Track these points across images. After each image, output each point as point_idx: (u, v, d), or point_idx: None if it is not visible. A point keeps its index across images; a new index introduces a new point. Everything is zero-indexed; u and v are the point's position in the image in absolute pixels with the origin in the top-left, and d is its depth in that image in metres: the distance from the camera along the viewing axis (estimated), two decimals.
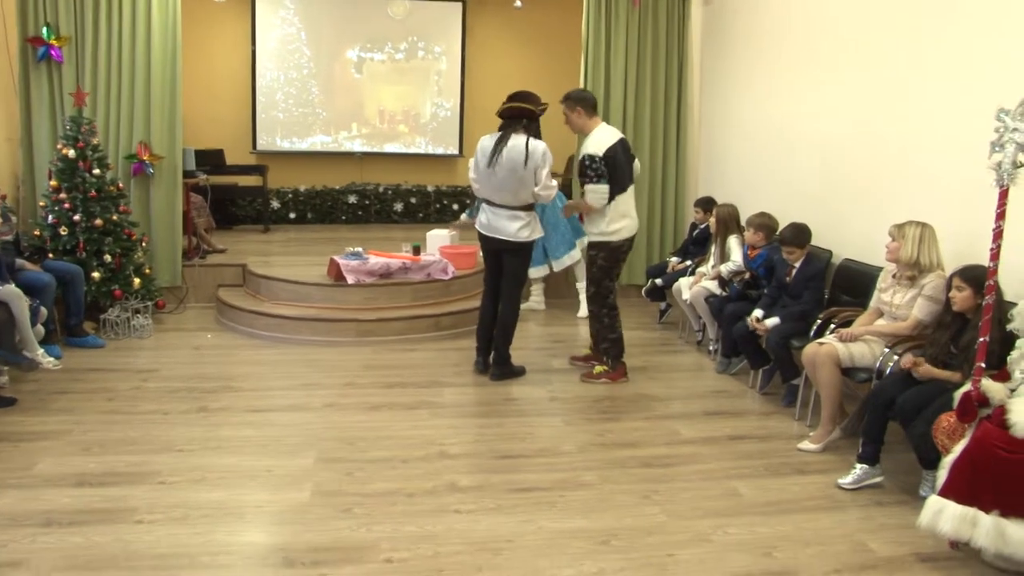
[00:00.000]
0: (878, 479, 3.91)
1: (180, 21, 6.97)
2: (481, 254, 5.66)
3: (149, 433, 4.42)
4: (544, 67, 10.47)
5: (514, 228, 5.25)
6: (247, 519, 3.50)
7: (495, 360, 5.51)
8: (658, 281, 6.68)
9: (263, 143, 10.53)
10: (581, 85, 7.48)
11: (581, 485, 3.87)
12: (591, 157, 5.18)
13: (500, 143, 5.17)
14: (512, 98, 5.24)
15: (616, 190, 5.23)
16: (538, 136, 5.21)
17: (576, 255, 7.14)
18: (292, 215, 10.27)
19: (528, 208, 5.30)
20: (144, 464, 4.02)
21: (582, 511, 3.63)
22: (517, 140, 5.15)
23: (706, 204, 6.68)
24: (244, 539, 3.32)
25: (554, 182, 5.34)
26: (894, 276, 4.35)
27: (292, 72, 10.51)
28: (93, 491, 3.72)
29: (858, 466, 3.91)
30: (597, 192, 5.18)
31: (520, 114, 5.19)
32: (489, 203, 5.35)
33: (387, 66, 10.70)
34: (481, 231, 5.44)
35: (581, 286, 7.26)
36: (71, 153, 6.25)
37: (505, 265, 5.40)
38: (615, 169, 5.20)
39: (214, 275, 7.25)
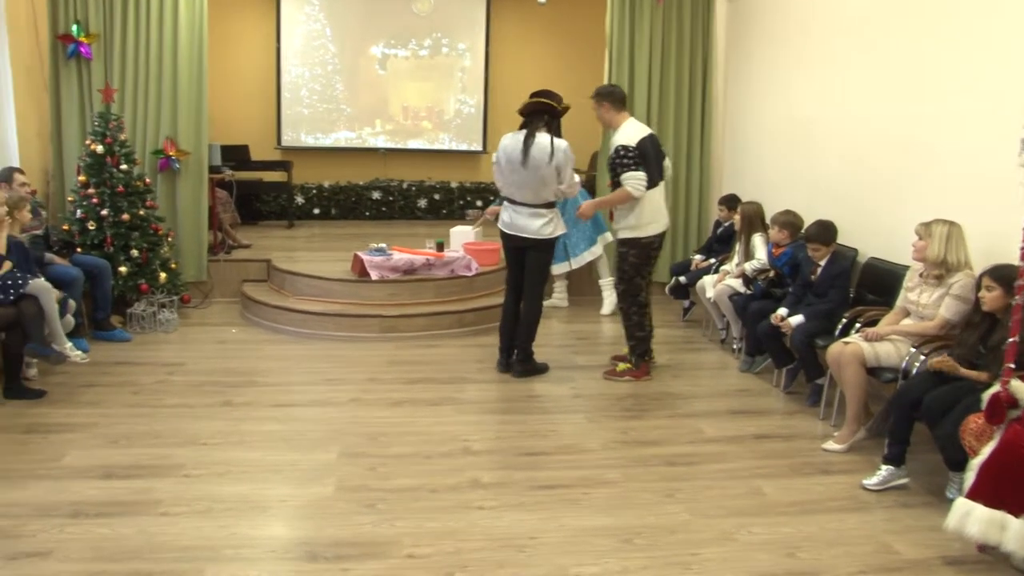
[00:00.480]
0: (904, 480, 3.85)
1: (206, 18, 6.99)
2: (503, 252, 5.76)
3: (174, 426, 4.43)
4: (568, 64, 10.43)
5: (536, 225, 5.23)
6: (270, 513, 3.50)
7: (518, 357, 5.47)
8: (682, 279, 6.63)
9: (288, 139, 10.54)
10: (605, 82, 7.35)
11: (604, 483, 3.84)
12: (624, 147, 5.13)
13: (528, 140, 5.13)
14: (534, 95, 5.23)
15: (649, 184, 5.19)
16: (559, 134, 5.19)
17: (597, 251, 7.11)
18: (316, 211, 10.30)
19: (550, 206, 5.28)
20: (169, 457, 4.03)
21: (605, 509, 3.60)
22: (541, 138, 5.13)
23: (730, 202, 6.61)
24: (267, 533, 3.32)
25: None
26: (921, 275, 4.27)
27: (317, 68, 10.52)
28: (119, 483, 3.73)
29: (883, 467, 3.85)
30: (635, 179, 5.10)
31: (542, 109, 5.17)
32: (511, 201, 5.33)
33: (411, 62, 10.68)
34: (503, 229, 5.41)
35: (604, 283, 7.24)
36: (99, 149, 6.30)
37: (527, 262, 5.36)
38: (645, 162, 5.15)
39: (239, 270, 7.26)
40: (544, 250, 5.34)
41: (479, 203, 10.42)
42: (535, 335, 5.48)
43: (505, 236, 5.43)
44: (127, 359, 5.65)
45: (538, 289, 5.44)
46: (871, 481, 3.84)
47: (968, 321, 3.95)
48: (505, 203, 5.43)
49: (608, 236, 7.09)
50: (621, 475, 3.93)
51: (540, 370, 5.50)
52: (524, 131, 5.18)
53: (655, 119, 7.56)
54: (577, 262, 7.09)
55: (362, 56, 10.57)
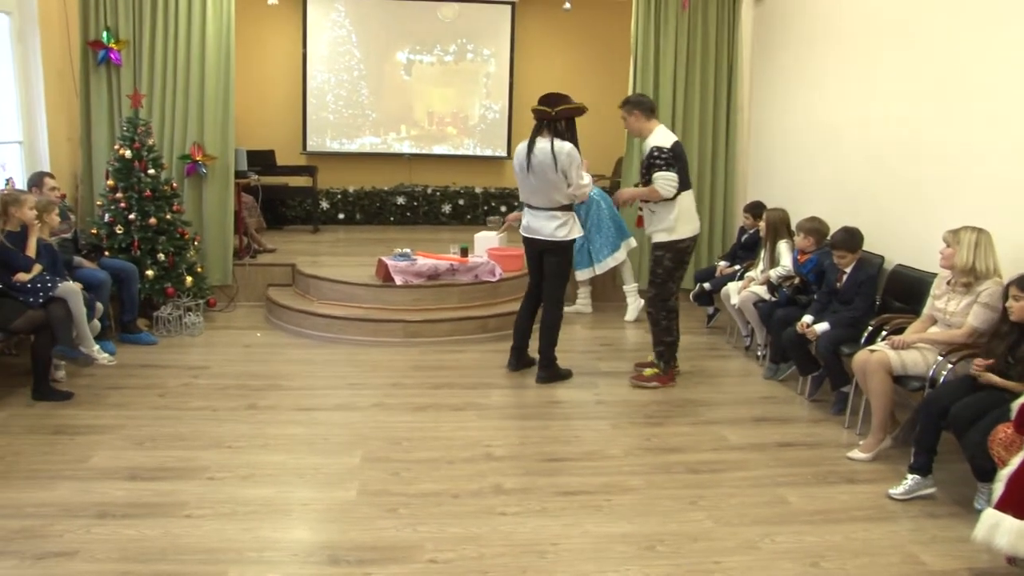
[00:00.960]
0: (931, 490, 3.80)
1: (234, 24, 7.03)
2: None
3: (199, 429, 4.46)
4: (593, 69, 10.41)
5: (551, 228, 5.26)
6: (293, 516, 3.51)
7: (541, 363, 5.47)
8: (706, 285, 6.60)
9: (313, 144, 10.56)
10: (630, 88, 7.44)
11: (627, 489, 3.83)
12: (659, 148, 5.15)
13: (530, 148, 5.20)
14: (540, 100, 5.24)
15: (681, 187, 5.20)
16: (566, 137, 5.15)
17: (620, 256, 7.08)
18: (341, 216, 10.28)
19: (565, 208, 5.29)
20: (194, 460, 4.05)
21: (628, 515, 3.59)
22: (542, 143, 5.16)
23: (755, 209, 6.55)
24: (290, 536, 3.34)
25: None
26: (949, 283, 4.23)
27: (342, 74, 10.55)
28: (145, 485, 3.76)
29: (910, 476, 3.81)
30: (667, 179, 5.11)
31: (539, 117, 5.20)
32: (529, 205, 5.38)
33: (436, 68, 10.67)
34: (523, 233, 5.46)
35: (629, 289, 7.22)
36: (127, 153, 6.34)
37: (545, 266, 5.41)
38: (679, 163, 5.16)
39: (264, 274, 7.26)
40: (560, 253, 5.36)
41: (503, 208, 10.34)
42: (556, 340, 5.46)
43: (525, 240, 5.47)
44: (153, 362, 5.67)
45: (558, 293, 5.44)
46: (897, 491, 3.80)
47: (996, 331, 3.88)
48: (525, 207, 5.45)
49: (632, 242, 7.12)
50: (644, 482, 3.91)
51: (563, 376, 5.49)
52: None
53: (680, 125, 7.53)
54: (601, 268, 7.06)
55: (387, 62, 10.59)
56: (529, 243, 5.45)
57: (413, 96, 10.71)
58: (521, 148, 5.29)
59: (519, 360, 5.61)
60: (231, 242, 7.22)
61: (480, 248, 7.32)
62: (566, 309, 6.29)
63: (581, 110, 5.22)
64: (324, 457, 4.12)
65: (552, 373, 5.46)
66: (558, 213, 5.26)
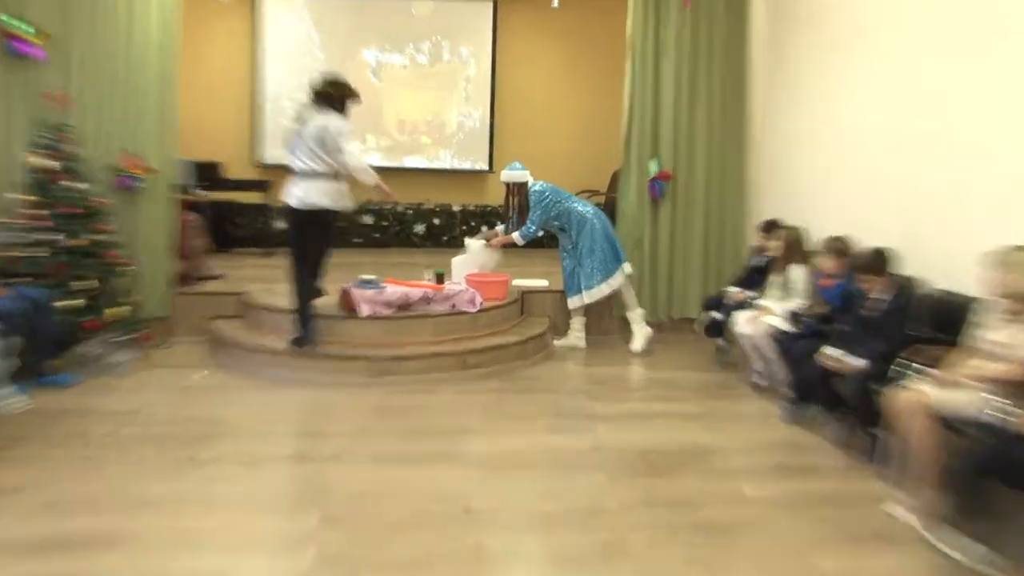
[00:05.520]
0: (986, 551, 3.57)
1: (178, 20, 6.84)
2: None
3: (126, 487, 4.21)
4: (584, 74, 10.41)
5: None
6: None
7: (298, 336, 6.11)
8: (715, 314, 6.48)
9: (267, 155, 10.31)
10: (627, 92, 7.38)
11: (626, 552, 3.64)
12: None
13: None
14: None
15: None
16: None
17: (615, 283, 6.98)
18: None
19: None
20: (118, 525, 3.80)
21: None
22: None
23: (770, 227, 6.44)
24: None
25: (352, 146, 5.94)
26: (1000, 311, 4.04)
27: (302, 77, 10.09)
28: (56, 559, 3.50)
29: (960, 536, 3.62)
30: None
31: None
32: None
33: (408, 71, 10.55)
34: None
35: (633, 316, 7.14)
36: (43, 163, 6.02)
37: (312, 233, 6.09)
38: None
39: (209, 305, 7.08)
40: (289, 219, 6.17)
41: (484, 228, 9.90)
42: (300, 304, 6.06)
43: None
44: (73, 407, 5.40)
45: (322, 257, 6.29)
46: (948, 550, 3.61)
47: None
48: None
49: (628, 266, 7.03)
50: (645, 541, 3.73)
51: (309, 341, 6.05)
52: None
53: (684, 133, 7.45)
54: (592, 296, 6.96)
55: (353, 62, 10.41)
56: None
57: (382, 101, 10.56)
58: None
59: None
60: (170, 267, 6.99)
61: (458, 274, 7.17)
62: (557, 342, 6.98)
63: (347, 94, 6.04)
64: (276, 517, 3.93)
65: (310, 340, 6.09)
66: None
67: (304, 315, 6.11)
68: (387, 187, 6.26)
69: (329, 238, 6.25)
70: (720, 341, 6.77)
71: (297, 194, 5.95)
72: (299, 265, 6.11)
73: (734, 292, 6.51)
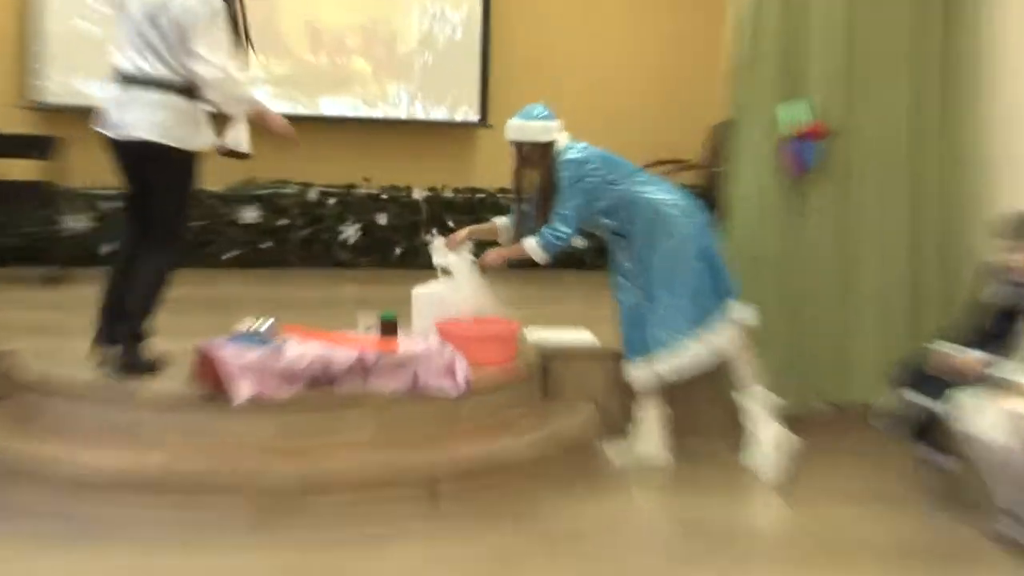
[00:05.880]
0: None
1: None
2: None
3: None
4: None
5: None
6: None
7: (121, 339, 5.88)
8: (917, 398, 5.91)
9: (52, 88, 9.48)
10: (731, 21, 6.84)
11: None
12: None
13: None
14: None
15: None
16: None
17: (719, 339, 6.52)
18: (112, 247, 9.12)
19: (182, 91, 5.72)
20: None
21: None
22: None
23: (1020, 230, 6.02)
24: None
25: (214, 47, 5.67)
26: None
27: None
28: None
29: None
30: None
31: None
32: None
33: None
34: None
35: (752, 402, 6.55)
36: None
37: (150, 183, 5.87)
38: None
39: None
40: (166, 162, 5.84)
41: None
42: (152, 307, 5.96)
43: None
44: None
45: (172, 228, 6.11)
46: None
47: None
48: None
49: (743, 310, 6.68)
50: None
51: (145, 368, 5.83)
52: None
53: (855, 56, 7.02)
54: (671, 361, 6.39)
55: None
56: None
57: None
58: None
59: (112, 337, 5.97)
60: None
61: (424, 318, 6.51)
62: (612, 452, 6.50)
63: None
64: None
65: (131, 361, 5.86)
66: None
67: (138, 319, 5.94)
68: (289, 128, 5.93)
69: (171, 206, 6.00)
70: (928, 449, 6.11)
71: (112, 116, 5.64)
72: (126, 235, 6.00)
73: (955, 354, 5.90)
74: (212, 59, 5.53)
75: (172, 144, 5.62)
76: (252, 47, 5.93)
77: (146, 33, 5.55)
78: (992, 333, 6.15)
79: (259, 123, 5.87)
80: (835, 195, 7.26)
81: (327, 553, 5.64)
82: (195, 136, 5.71)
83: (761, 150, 7.18)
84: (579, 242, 6.76)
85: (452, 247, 6.98)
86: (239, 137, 5.99)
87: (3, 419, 6.40)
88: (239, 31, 5.80)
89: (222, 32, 5.64)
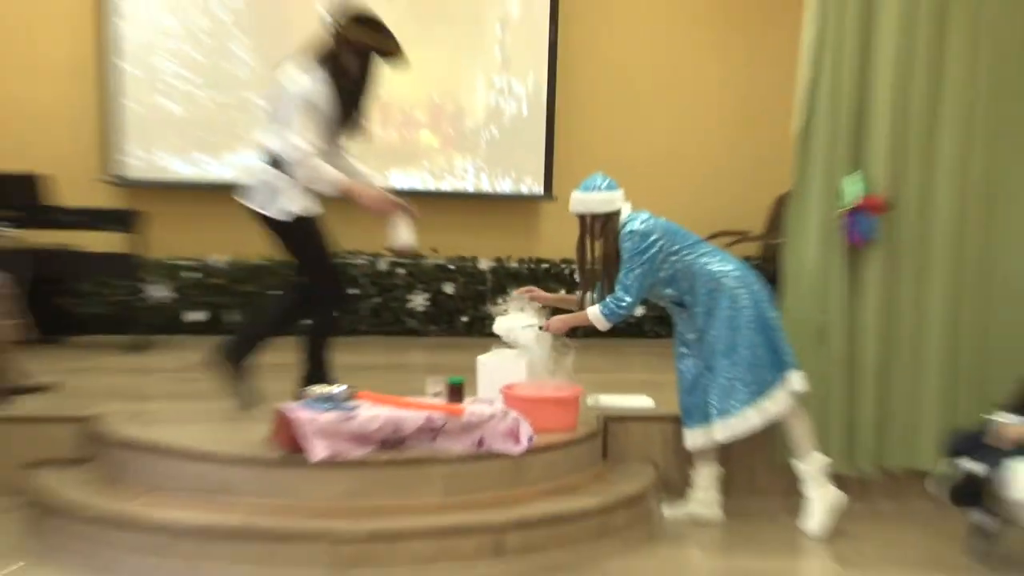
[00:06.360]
0: None
1: None
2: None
3: None
4: (724, 23, 10.49)
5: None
6: None
7: (225, 345, 6.41)
8: (972, 466, 5.85)
9: (133, 164, 9.38)
10: (806, 58, 6.92)
11: None
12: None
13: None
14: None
15: None
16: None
17: (774, 407, 6.50)
18: (197, 315, 9.34)
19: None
20: None
21: None
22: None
23: None
24: None
25: (304, 127, 6.05)
26: None
27: (196, 16, 9.33)
28: None
29: None
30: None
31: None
32: None
33: (395, 7, 9.26)
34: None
35: (808, 467, 6.59)
36: None
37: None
38: None
39: (25, 441, 6.55)
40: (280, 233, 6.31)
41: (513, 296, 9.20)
42: (256, 342, 6.63)
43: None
44: None
45: (309, 283, 6.67)
46: None
47: None
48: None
49: (799, 378, 6.65)
50: None
51: (243, 389, 6.51)
52: None
53: (914, 133, 6.89)
54: (730, 428, 6.45)
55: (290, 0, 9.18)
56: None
57: None
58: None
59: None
60: None
61: (489, 384, 6.57)
62: (669, 512, 6.62)
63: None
64: None
65: (229, 368, 6.48)
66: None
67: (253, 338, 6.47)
68: (383, 202, 6.35)
69: (298, 261, 6.57)
70: (981, 515, 6.05)
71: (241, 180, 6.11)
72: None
73: (1010, 424, 5.91)
74: (297, 141, 5.93)
75: (250, 206, 6.20)
76: (366, 125, 6.47)
77: (271, 112, 6.14)
78: None
79: (351, 200, 6.21)
80: (891, 268, 7.41)
81: None
82: (271, 203, 6.15)
83: (820, 223, 7.33)
84: (639, 311, 6.76)
85: (531, 298, 7.20)
86: (399, 235, 6.48)
87: (92, 478, 6.46)
88: (350, 112, 6.33)
89: (313, 117, 6.08)
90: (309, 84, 5.95)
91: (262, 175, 6.17)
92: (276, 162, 6.05)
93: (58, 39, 9.83)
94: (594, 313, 6.67)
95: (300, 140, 5.96)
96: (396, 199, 6.39)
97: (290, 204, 6.18)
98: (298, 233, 6.25)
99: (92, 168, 9.83)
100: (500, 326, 7.22)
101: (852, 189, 7.19)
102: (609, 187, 6.79)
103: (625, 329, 6.98)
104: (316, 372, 6.57)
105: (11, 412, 6.96)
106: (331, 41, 6.07)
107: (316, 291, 6.55)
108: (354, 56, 6.14)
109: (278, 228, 6.22)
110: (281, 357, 7.43)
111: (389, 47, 6.16)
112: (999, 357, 7.34)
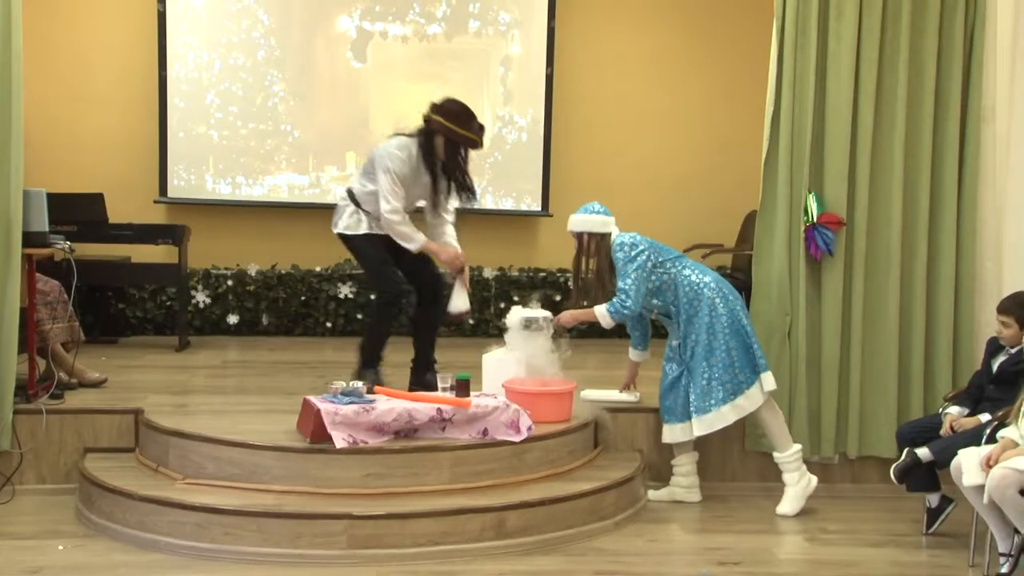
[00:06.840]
0: None
1: None
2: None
3: None
4: (696, 61, 10.23)
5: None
6: None
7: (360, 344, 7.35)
8: (921, 452, 6.01)
9: (179, 186, 9.55)
10: (771, 86, 7.01)
11: None
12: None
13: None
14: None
15: None
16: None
17: (750, 405, 6.74)
18: (233, 319, 9.47)
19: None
20: None
21: None
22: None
23: (1019, 308, 6.13)
24: None
25: (387, 184, 6.83)
26: None
27: (238, 57, 9.50)
28: None
29: None
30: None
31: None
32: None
33: (411, 47, 9.82)
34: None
35: (784, 458, 6.81)
36: None
37: None
38: None
39: (78, 429, 6.67)
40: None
41: (536, 302, 8.88)
42: (374, 347, 7.30)
43: None
44: None
45: (375, 290, 7.79)
46: None
47: None
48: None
49: (770, 378, 6.77)
50: None
51: (371, 377, 6.99)
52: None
53: (867, 153, 7.13)
54: (706, 424, 6.71)
55: (322, 36, 9.59)
56: None
57: (369, 98, 9.88)
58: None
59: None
60: (12, 368, 6.50)
61: (493, 379, 6.76)
62: (653, 494, 6.78)
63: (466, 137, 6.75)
64: None
65: (362, 357, 7.28)
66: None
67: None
68: (456, 260, 7.18)
69: (366, 273, 7.95)
70: (932, 497, 6.37)
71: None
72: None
73: (954, 415, 6.18)
74: (382, 203, 6.86)
75: (336, 229, 7.14)
76: (468, 194, 7.24)
77: (364, 163, 7.15)
78: (993, 399, 6.38)
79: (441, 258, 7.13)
80: (847, 276, 7.63)
81: (412, 572, 5.82)
82: (339, 223, 7.11)
83: (785, 237, 7.53)
84: (639, 311, 6.89)
85: (559, 323, 7.41)
86: (456, 302, 7.12)
87: (138, 466, 6.70)
88: (439, 184, 7.11)
89: (395, 182, 6.95)
90: (393, 156, 6.77)
91: (340, 203, 7.03)
92: (352, 197, 7.01)
93: (120, 77, 10.15)
94: (601, 311, 6.91)
95: (384, 201, 6.80)
96: (464, 263, 7.09)
97: (345, 224, 7.17)
98: (352, 245, 7.20)
99: (149, 189, 10.01)
100: (513, 316, 7.47)
101: (811, 206, 7.49)
102: (604, 212, 7.02)
103: (615, 331, 7.30)
104: (368, 357, 7.29)
105: (66, 405, 7.12)
106: (426, 125, 6.72)
107: (377, 294, 7.28)
108: (443, 141, 6.79)
109: (342, 240, 7.17)
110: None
111: (472, 142, 6.83)
112: (945, 355, 7.56)
